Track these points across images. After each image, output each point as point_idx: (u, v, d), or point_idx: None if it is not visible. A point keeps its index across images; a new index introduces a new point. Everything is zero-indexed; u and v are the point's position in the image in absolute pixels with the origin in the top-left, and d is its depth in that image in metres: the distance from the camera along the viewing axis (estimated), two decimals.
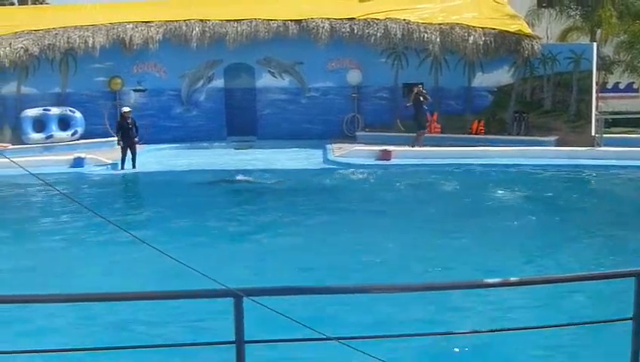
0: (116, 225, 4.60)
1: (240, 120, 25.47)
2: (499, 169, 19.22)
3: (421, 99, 21.91)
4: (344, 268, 10.33)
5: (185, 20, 24.72)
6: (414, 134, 22.14)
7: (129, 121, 20.16)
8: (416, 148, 21.53)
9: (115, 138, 21.06)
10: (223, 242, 12.42)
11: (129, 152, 20.14)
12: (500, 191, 16.34)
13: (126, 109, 20.79)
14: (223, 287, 3.83)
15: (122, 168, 20.17)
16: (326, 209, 14.99)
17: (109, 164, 20.65)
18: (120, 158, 20.15)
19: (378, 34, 23.97)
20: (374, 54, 24.57)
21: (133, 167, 20.15)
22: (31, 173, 5.14)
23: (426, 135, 22.29)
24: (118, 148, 20.25)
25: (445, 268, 10.39)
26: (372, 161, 20.39)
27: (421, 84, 23.28)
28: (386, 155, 20.39)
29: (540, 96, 23.66)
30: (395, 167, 19.80)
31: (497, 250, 11.66)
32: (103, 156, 21.35)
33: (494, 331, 5.67)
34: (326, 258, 11.07)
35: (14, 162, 5.20)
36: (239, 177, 19.10)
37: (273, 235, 12.82)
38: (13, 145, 22.80)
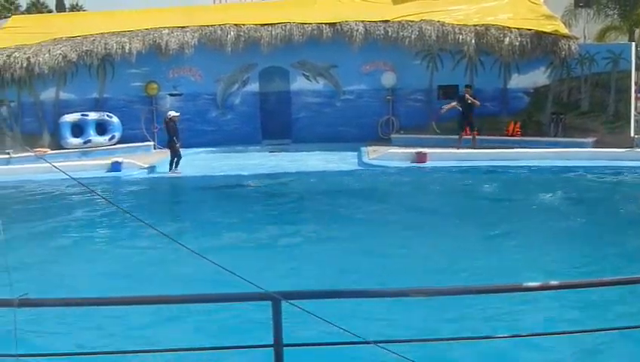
0: (155, 229, 4.64)
1: (275, 123, 25.54)
2: (537, 171, 19.02)
3: (469, 102, 21.75)
4: (384, 271, 10.22)
5: (220, 25, 24.88)
6: (456, 136, 21.97)
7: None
8: (448, 150, 21.33)
9: (150, 143, 21.25)
10: (260, 245, 12.41)
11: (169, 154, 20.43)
12: (541, 194, 16.04)
13: (175, 113, 20.95)
14: (262, 291, 3.84)
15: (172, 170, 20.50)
16: (363, 211, 14.89)
17: (146, 168, 20.86)
18: (171, 160, 20.46)
19: (413, 36, 23.89)
20: (409, 56, 24.47)
21: (170, 170, 20.33)
22: (72, 178, 5.21)
23: (464, 137, 22.07)
24: (155, 152, 20.47)
25: (495, 271, 10.22)
26: (407, 164, 20.28)
27: (455, 86, 23.15)
28: (421, 158, 20.28)
29: (578, 97, 23.33)
30: (431, 169, 19.69)
31: (554, 253, 11.45)
32: (139, 160, 21.60)
33: (535, 335, 5.60)
34: (366, 260, 10.99)
35: (56, 167, 5.25)
36: (274, 180, 19.18)
37: (310, 238, 12.80)
38: (52, 150, 23.13)
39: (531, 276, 9.20)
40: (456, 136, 22.00)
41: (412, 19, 24.37)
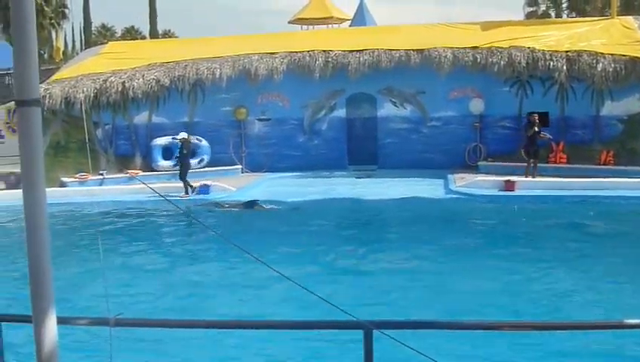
0: (248, 253, 4.68)
1: (361, 149, 25.60)
2: (631, 202, 18.32)
3: (536, 129, 21.41)
4: (477, 302, 9.96)
5: (308, 51, 25.19)
6: (545, 164, 21.61)
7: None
8: (537, 179, 20.89)
9: (238, 166, 21.52)
10: (348, 271, 12.35)
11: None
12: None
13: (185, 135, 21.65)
14: (353, 319, 3.81)
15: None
16: (452, 240, 14.57)
17: (234, 191, 21.17)
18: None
19: (502, 62, 23.61)
20: (497, 83, 24.17)
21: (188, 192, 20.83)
22: (166, 199, 5.33)
23: (546, 165, 21.62)
24: (242, 175, 20.77)
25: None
26: (495, 192, 19.95)
27: (546, 113, 22.73)
28: (509, 186, 19.92)
29: None
30: (519, 198, 19.27)
31: None
32: (227, 183, 21.96)
33: None
34: (458, 290, 10.75)
35: (151, 188, 5.39)
36: (360, 206, 19.16)
37: (400, 265, 12.61)
38: (143, 171, 23.78)
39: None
40: (545, 164, 21.57)
41: (501, 46, 24.11)
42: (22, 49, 2.99)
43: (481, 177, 21.41)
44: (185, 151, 21.36)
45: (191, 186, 21.00)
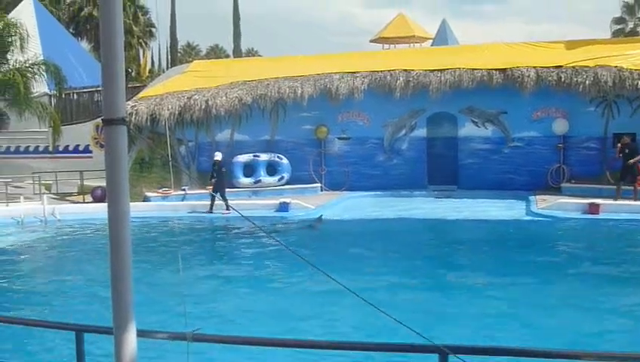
0: (324, 273, 4.69)
1: (441, 169, 25.38)
2: None
3: (626, 151, 20.87)
4: (570, 328, 9.67)
5: (389, 70, 25.17)
6: (631, 187, 20.95)
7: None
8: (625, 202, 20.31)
9: (318, 185, 21.65)
10: (424, 292, 12.22)
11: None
12: None
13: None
14: (428, 342, 3.78)
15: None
16: (534, 263, 14.22)
17: (313, 209, 21.27)
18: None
19: (587, 82, 23.05)
20: (582, 103, 23.59)
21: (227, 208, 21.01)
22: (244, 217, 5.40)
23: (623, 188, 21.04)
24: (322, 193, 20.86)
25: None
26: (579, 215, 19.45)
27: (633, 134, 22.09)
28: (594, 209, 19.41)
29: None
30: (604, 221, 18.76)
31: None
32: (306, 201, 22.10)
33: None
34: (539, 316, 10.45)
35: (232, 207, 5.46)
36: (440, 226, 19.00)
37: (483, 289, 12.32)
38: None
39: None
40: (631, 187, 20.94)
41: (587, 65, 23.53)
42: (110, 71, 3.11)
43: (563, 199, 20.92)
44: (223, 170, 22.23)
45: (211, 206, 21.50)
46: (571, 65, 23.67)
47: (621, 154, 21.34)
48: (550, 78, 23.52)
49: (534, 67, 23.85)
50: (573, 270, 13.77)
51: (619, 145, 21.59)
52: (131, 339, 3.24)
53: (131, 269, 3.20)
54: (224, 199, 21.13)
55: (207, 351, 7.04)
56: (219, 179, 21.70)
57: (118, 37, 3.12)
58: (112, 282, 3.20)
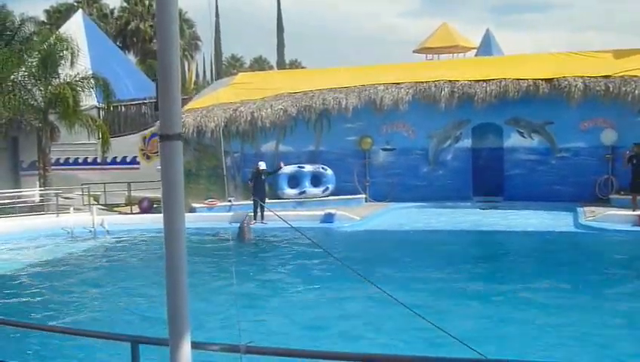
0: (372, 283, 4.73)
1: (486, 180, 25.16)
2: None
3: (634, 161, 20.63)
4: (624, 348, 9.40)
5: (434, 81, 25.13)
6: None
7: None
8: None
9: (362, 195, 21.68)
10: (473, 304, 12.08)
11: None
12: None
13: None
14: (481, 357, 3.78)
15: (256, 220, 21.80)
16: (583, 277, 13.84)
17: (359, 221, 21.29)
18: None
19: (636, 91, 22.72)
20: (631, 113, 23.22)
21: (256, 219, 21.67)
22: (294, 228, 5.46)
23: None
24: (366, 204, 20.89)
25: None
26: (628, 227, 19.08)
27: None
28: None
29: None
30: None
31: None
32: (351, 212, 22.13)
33: None
34: (586, 333, 10.06)
35: (279, 217, 5.53)
36: (486, 238, 18.85)
37: (535, 302, 11.90)
38: (269, 199, 24.31)
39: None
40: None
41: (636, 74, 23.20)
42: (167, 89, 3.17)
43: (612, 211, 20.58)
44: (263, 177, 22.60)
45: (255, 214, 21.85)
46: (620, 74, 23.36)
47: (629, 164, 21.03)
48: (598, 88, 23.25)
49: (581, 77, 23.60)
50: (631, 286, 13.29)
51: (627, 153, 21.26)
52: (186, 351, 3.28)
53: (187, 281, 3.25)
54: (262, 209, 21.57)
55: None
56: (259, 187, 22.06)
57: (174, 53, 3.17)
58: (167, 293, 3.24)
